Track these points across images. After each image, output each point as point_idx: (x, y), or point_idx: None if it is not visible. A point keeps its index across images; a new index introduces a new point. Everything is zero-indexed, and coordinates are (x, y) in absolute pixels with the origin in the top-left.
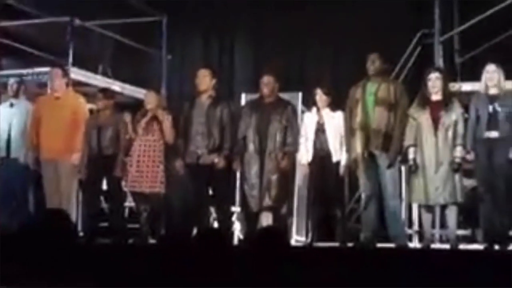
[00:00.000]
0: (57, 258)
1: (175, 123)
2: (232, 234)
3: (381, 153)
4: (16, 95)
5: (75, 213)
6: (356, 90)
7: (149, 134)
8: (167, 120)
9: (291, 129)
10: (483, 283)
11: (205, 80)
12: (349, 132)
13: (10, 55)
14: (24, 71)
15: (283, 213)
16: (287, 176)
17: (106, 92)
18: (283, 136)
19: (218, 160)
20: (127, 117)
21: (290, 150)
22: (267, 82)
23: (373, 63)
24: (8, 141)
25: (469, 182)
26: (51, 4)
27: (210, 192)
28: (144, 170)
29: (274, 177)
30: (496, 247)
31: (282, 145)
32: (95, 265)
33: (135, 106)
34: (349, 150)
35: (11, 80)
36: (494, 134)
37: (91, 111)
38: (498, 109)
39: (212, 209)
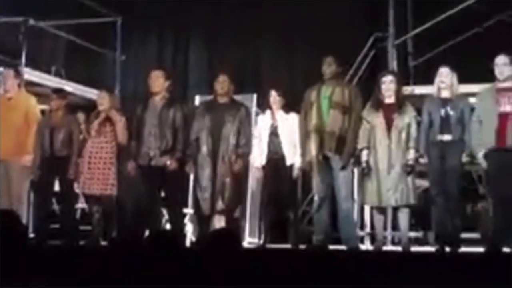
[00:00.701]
0: (7, 259)
1: (128, 125)
2: (184, 236)
3: (335, 156)
4: None
5: (26, 215)
6: (311, 93)
7: (102, 136)
8: (120, 122)
9: (244, 131)
10: (434, 286)
11: (158, 81)
12: (304, 134)
13: None
14: None
15: (236, 216)
16: (240, 179)
17: (59, 93)
18: (236, 138)
19: (170, 162)
20: (80, 118)
21: (243, 153)
22: (222, 80)
23: (329, 66)
24: None
25: (422, 184)
26: (4, 4)
27: (163, 194)
28: (96, 172)
29: (227, 180)
30: (448, 249)
31: (235, 148)
32: (46, 267)
33: (89, 107)
34: (303, 152)
35: None
36: (447, 137)
37: (43, 112)
38: (450, 112)
39: (165, 211)
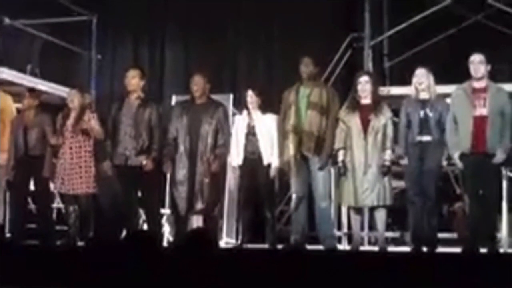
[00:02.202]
0: None
1: (103, 124)
2: (161, 236)
3: (313, 156)
4: None
5: (2, 214)
6: (289, 93)
7: (77, 135)
8: (93, 118)
9: (222, 131)
10: (411, 285)
11: (133, 81)
12: (282, 134)
13: None
14: None
15: (214, 215)
16: (218, 179)
17: (33, 92)
18: (214, 138)
19: (146, 162)
20: (56, 118)
21: (221, 153)
22: (197, 81)
23: (307, 67)
24: None
25: (398, 184)
26: None
27: (139, 194)
28: (77, 171)
29: (205, 180)
30: (424, 249)
31: (213, 147)
32: (22, 267)
33: (63, 107)
34: (281, 152)
35: None
36: (426, 138)
37: (18, 110)
38: (430, 113)
39: (141, 211)
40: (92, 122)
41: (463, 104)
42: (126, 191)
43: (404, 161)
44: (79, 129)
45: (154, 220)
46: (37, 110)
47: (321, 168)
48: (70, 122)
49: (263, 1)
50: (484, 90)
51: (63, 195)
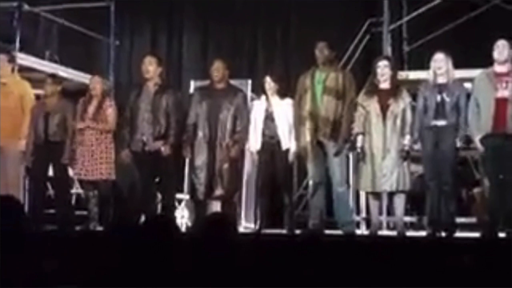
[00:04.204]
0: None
1: (121, 111)
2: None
3: (329, 141)
4: None
5: (22, 200)
6: (305, 78)
7: (98, 122)
8: (110, 107)
9: (241, 117)
10: (429, 270)
11: (151, 67)
12: (298, 120)
13: None
14: None
15: (233, 201)
16: (237, 165)
17: (54, 78)
18: (233, 123)
19: (164, 148)
20: (76, 104)
21: (240, 138)
22: (217, 67)
23: (322, 52)
24: None
25: (417, 169)
26: None
27: (157, 179)
28: (93, 157)
29: (225, 166)
30: (443, 234)
31: (232, 133)
32: (44, 252)
33: (83, 92)
34: (298, 137)
35: None
36: (441, 122)
37: (38, 97)
38: (446, 98)
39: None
40: (109, 110)
41: (486, 88)
42: (144, 177)
43: (418, 146)
44: (99, 117)
45: (171, 205)
46: (59, 96)
47: (337, 154)
48: (91, 109)
49: None
50: (507, 74)
51: (82, 181)
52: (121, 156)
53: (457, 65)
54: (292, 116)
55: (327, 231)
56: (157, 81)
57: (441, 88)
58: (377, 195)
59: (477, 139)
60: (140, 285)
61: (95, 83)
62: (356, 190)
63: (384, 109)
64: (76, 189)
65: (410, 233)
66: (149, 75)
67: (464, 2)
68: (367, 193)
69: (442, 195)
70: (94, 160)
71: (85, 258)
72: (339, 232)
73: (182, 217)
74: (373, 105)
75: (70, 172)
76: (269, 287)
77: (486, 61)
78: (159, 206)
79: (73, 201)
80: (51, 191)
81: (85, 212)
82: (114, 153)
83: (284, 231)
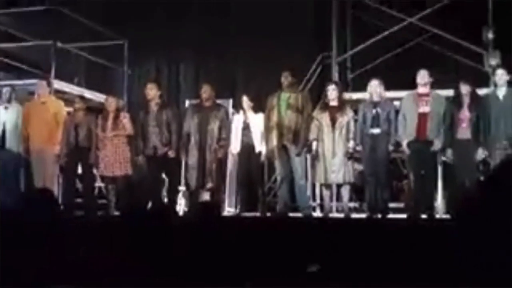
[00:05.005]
0: (45, 227)
1: (134, 123)
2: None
3: (292, 145)
4: (9, 101)
5: (56, 191)
6: (273, 98)
7: (117, 130)
8: (125, 118)
9: (225, 127)
10: (368, 244)
11: (151, 92)
12: (268, 129)
13: (5, 70)
14: (16, 82)
15: (219, 191)
16: (222, 164)
17: (81, 98)
18: (219, 133)
19: (171, 152)
20: (98, 118)
21: (224, 144)
22: (205, 89)
23: (286, 78)
24: (3, 136)
25: (358, 167)
26: (38, 31)
27: (163, 175)
28: (112, 158)
29: (214, 165)
30: (379, 216)
31: (218, 140)
32: (74, 232)
33: (104, 110)
34: (267, 143)
35: (5, 89)
36: (376, 130)
37: (69, 112)
38: (380, 112)
39: (164, 188)
40: (125, 120)
41: (411, 105)
42: (154, 174)
43: (359, 148)
44: (117, 126)
45: (173, 195)
46: (85, 111)
47: (298, 155)
48: (110, 121)
49: (254, 33)
50: (427, 95)
51: (104, 177)
52: (138, 160)
53: (388, 88)
54: (263, 126)
55: (291, 214)
56: (157, 101)
57: (375, 104)
58: (328, 186)
59: (404, 143)
60: (148, 255)
61: (110, 102)
62: (312, 182)
63: (333, 121)
64: (99, 183)
65: (354, 216)
66: (150, 97)
67: (395, 40)
68: (321, 185)
69: (378, 186)
70: (113, 160)
71: (105, 237)
72: (299, 214)
73: (180, 204)
74: (325, 118)
75: (94, 170)
76: (247, 257)
77: (411, 84)
78: (163, 195)
79: (96, 192)
80: (79, 185)
81: (105, 201)
82: (130, 155)
83: (258, 214)
